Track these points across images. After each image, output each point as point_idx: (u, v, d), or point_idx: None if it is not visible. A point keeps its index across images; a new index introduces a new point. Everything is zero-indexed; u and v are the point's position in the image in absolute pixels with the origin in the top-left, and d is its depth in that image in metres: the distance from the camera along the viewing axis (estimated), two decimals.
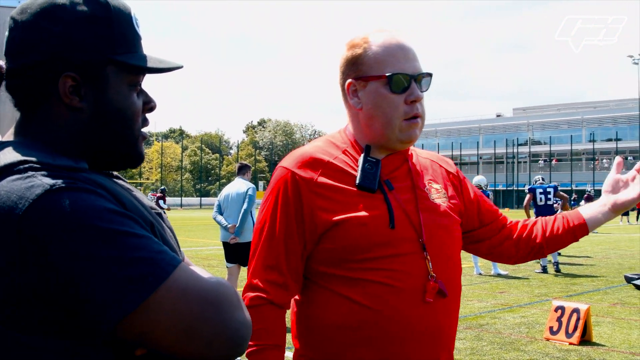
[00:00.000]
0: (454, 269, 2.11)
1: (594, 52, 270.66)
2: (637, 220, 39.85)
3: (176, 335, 1.20)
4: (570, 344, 8.04)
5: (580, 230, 2.31)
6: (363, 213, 1.97)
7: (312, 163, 2.05)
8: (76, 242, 1.14)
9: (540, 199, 16.07)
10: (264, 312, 1.99)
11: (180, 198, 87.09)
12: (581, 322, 8.11)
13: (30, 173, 1.21)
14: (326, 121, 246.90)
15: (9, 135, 1.40)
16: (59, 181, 1.19)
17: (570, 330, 8.14)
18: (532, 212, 16.04)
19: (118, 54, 1.38)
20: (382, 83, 2.03)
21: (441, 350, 2.04)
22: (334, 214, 1.98)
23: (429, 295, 1.97)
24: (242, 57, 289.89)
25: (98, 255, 1.15)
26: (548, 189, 16.10)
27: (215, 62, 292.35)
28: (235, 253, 9.94)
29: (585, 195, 37.20)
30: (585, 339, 8.21)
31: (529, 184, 18.61)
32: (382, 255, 1.96)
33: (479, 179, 16.32)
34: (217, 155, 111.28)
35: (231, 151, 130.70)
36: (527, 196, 16.24)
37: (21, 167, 1.22)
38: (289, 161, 2.08)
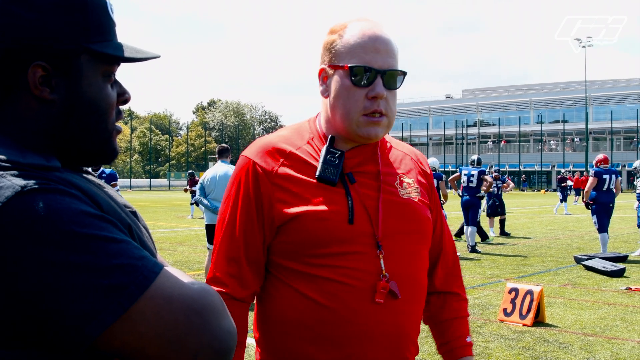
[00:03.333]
0: (416, 267, 2.02)
1: (538, 35, 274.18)
2: (581, 200, 40.60)
3: (161, 347, 1.11)
4: (524, 325, 8.13)
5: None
6: (322, 207, 1.90)
7: (274, 153, 1.98)
8: (51, 249, 1.05)
9: (464, 180, 16.80)
10: None
11: (129, 180, 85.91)
12: (534, 304, 8.21)
13: None
14: (277, 102, 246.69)
15: None
16: (31, 182, 1.10)
17: (524, 312, 8.24)
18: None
19: (93, 43, 1.28)
20: (346, 73, 1.94)
21: (397, 353, 1.95)
22: (292, 206, 1.90)
23: (379, 295, 1.88)
24: (189, 37, 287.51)
25: (75, 263, 1.06)
26: (473, 172, 16.67)
27: (162, 42, 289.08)
28: None
29: (559, 176, 37.74)
30: (539, 320, 8.31)
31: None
32: (340, 251, 1.88)
33: (432, 160, 16.44)
34: (167, 136, 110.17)
35: (181, 132, 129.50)
36: (456, 174, 17.22)
37: None
38: (251, 150, 2.01)
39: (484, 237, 18.01)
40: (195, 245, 17.36)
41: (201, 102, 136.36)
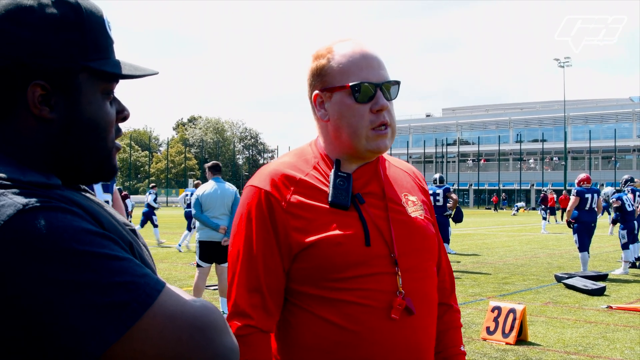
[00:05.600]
0: (428, 284, 2.05)
1: (517, 53, 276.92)
2: (561, 219, 40.80)
3: None
4: (507, 343, 8.12)
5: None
6: (337, 232, 1.91)
7: (284, 181, 1.98)
8: (53, 267, 1.03)
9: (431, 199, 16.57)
10: (253, 342, 1.91)
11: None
12: (517, 322, 8.21)
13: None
14: (257, 119, 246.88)
15: None
16: (32, 200, 1.08)
17: (506, 330, 8.24)
18: None
19: (91, 61, 1.26)
20: (347, 93, 1.98)
21: None
22: (308, 234, 1.91)
23: (395, 312, 1.90)
24: (168, 53, 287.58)
25: (77, 281, 1.04)
26: (437, 191, 16.72)
27: (141, 58, 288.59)
28: (217, 253, 9.82)
29: (542, 195, 38.11)
30: (521, 339, 8.31)
31: (459, 184, 19.45)
32: (358, 274, 1.90)
33: (439, 176, 16.54)
34: (147, 152, 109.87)
35: (161, 148, 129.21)
36: None
37: None
38: (260, 179, 2.01)
39: None
40: (176, 262, 17.27)
41: (181, 119, 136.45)
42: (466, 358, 7.08)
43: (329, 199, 1.95)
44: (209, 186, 10.06)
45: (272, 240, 1.93)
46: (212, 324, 1.15)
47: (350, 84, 1.97)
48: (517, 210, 32.87)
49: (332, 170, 2.01)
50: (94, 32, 1.28)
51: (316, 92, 2.04)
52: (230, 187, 10.07)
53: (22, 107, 1.22)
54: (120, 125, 1.38)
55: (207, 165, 10.68)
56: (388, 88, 2.00)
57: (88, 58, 1.26)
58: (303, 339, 1.94)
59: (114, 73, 1.30)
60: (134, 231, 1.35)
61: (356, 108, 1.97)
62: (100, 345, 1.03)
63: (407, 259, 1.97)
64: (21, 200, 1.08)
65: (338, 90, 1.99)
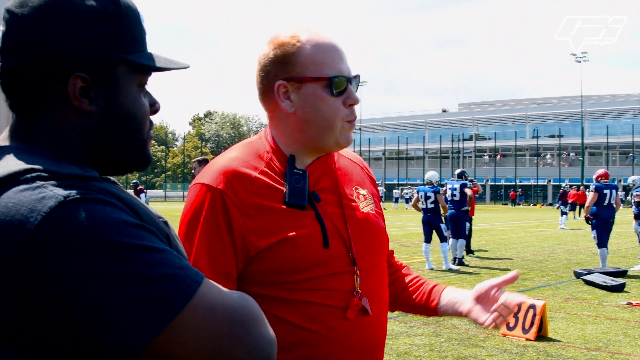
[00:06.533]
0: (382, 281, 2.03)
1: (533, 48, 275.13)
2: (579, 215, 40.58)
3: (204, 357, 1.10)
4: (527, 339, 8.11)
5: (429, 312, 2.20)
6: (295, 233, 1.83)
7: (238, 179, 1.85)
8: (95, 260, 1.03)
9: (449, 195, 16.70)
10: None
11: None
12: (537, 318, 8.19)
13: (39, 183, 1.09)
14: None
15: (2, 140, 1.26)
16: (73, 192, 1.08)
17: (526, 326, 8.23)
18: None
19: (129, 53, 1.27)
20: (322, 85, 1.89)
21: None
22: (265, 236, 1.81)
23: (350, 312, 1.87)
24: (183, 48, 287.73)
25: (119, 274, 1.04)
26: (455, 185, 16.65)
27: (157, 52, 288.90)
28: None
29: (561, 190, 37.74)
30: (541, 335, 8.29)
31: (475, 178, 19.32)
32: (317, 275, 1.84)
33: (431, 174, 16.46)
34: (163, 147, 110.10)
35: (177, 143, 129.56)
36: (415, 197, 16.68)
37: (28, 176, 1.10)
38: (210, 177, 1.86)
39: (468, 250, 18.00)
40: None
41: (197, 114, 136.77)
42: (487, 353, 7.08)
43: (286, 199, 1.86)
44: None
45: (226, 244, 1.81)
46: (251, 316, 1.15)
47: (329, 75, 1.89)
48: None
49: (287, 168, 1.92)
50: (131, 24, 1.29)
51: (281, 81, 1.90)
52: None
53: (61, 100, 1.22)
54: (151, 117, 1.38)
55: (196, 159, 10.42)
56: (356, 82, 1.97)
57: (126, 50, 1.27)
58: None
59: (150, 65, 1.31)
60: (166, 223, 1.35)
61: (331, 101, 1.90)
62: (143, 338, 1.04)
63: (364, 257, 1.94)
64: (62, 192, 1.07)
65: (310, 82, 1.89)
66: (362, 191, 2.08)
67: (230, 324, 1.12)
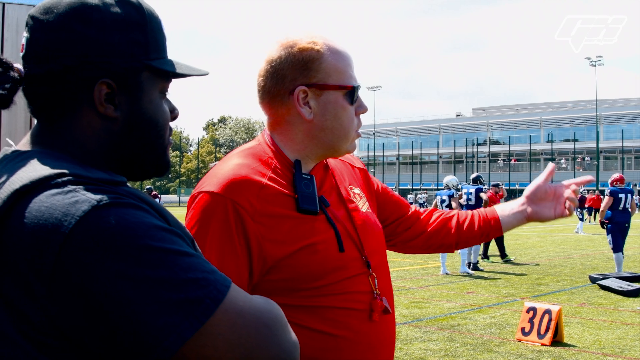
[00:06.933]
0: (388, 277, 2.04)
1: (547, 52, 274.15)
2: (594, 220, 40.34)
3: None
4: (542, 344, 8.08)
5: (495, 232, 2.34)
6: (312, 240, 1.81)
7: (248, 187, 1.78)
8: (129, 264, 1.04)
9: (464, 199, 16.80)
10: None
11: None
12: (553, 323, 8.16)
13: (70, 187, 1.09)
14: None
15: (23, 145, 1.28)
16: (105, 196, 1.09)
17: (542, 331, 8.19)
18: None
19: (152, 60, 1.29)
20: (343, 94, 1.89)
21: None
22: (284, 245, 1.77)
23: (376, 314, 1.88)
24: (195, 54, 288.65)
25: (152, 277, 1.05)
26: (470, 190, 16.72)
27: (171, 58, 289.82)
28: None
29: (578, 196, 37.73)
30: (557, 340, 8.25)
31: (488, 184, 19.26)
32: (337, 279, 1.84)
33: (449, 179, 16.49)
34: (177, 152, 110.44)
35: (191, 148, 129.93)
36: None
37: (59, 180, 1.10)
38: (218, 186, 1.77)
39: (503, 255, 18.00)
40: None
41: (212, 119, 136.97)
42: (502, 359, 7.05)
43: (299, 205, 1.82)
44: None
45: (240, 255, 1.74)
46: (277, 320, 1.17)
47: (354, 85, 1.90)
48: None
49: (295, 174, 1.89)
50: (154, 31, 1.31)
51: (302, 87, 1.87)
52: None
53: (86, 105, 1.24)
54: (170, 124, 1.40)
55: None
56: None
57: (149, 57, 1.29)
58: None
59: (173, 72, 1.33)
60: None
61: (350, 110, 1.91)
62: (177, 340, 1.05)
63: (374, 257, 1.95)
64: (94, 196, 1.08)
65: (332, 90, 1.88)
66: (356, 190, 2.08)
67: (257, 328, 1.13)
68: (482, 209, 2.40)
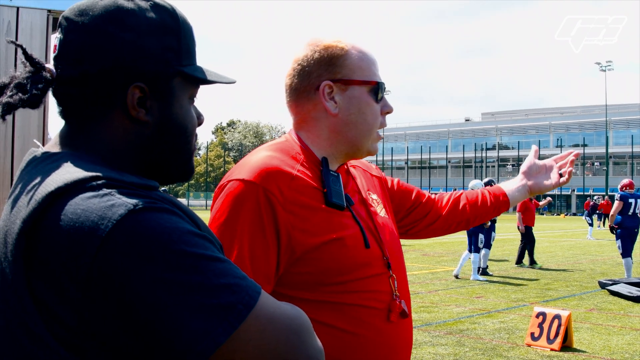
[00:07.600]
0: (406, 285, 2.06)
1: (556, 57, 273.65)
2: (603, 225, 40.22)
3: None
4: (552, 350, 8.06)
5: (504, 206, 2.52)
6: (341, 234, 1.82)
7: (280, 176, 1.79)
8: (164, 268, 1.04)
9: None
10: None
11: None
12: (562, 328, 8.15)
13: (105, 190, 1.09)
14: None
15: (51, 146, 1.28)
16: (140, 201, 1.09)
17: (551, 337, 8.17)
18: None
19: (184, 66, 1.30)
20: (367, 89, 1.93)
21: None
22: (314, 235, 1.78)
23: (394, 315, 1.89)
24: (205, 58, 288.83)
25: (187, 283, 1.05)
26: None
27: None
28: None
29: (587, 201, 37.90)
30: (566, 345, 8.24)
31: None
32: (360, 277, 1.84)
33: (475, 183, 16.40)
34: None
35: (200, 152, 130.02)
36: None
37: (94, 183, 1.10)
38: (249, 173, 1.77)
39: (532, 261, 18.05)
40: None
41: (220, 123, 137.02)
42: None
43: (329, 199, 1.83)
44: None
45: (270, 243, 1.74)
46: (304, 326, 1.18)
47: (378, 81, 1.94)
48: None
49: (323, 169, 1.91)
50: (186, 37, 1.32)
51: (327, 81, 1.91)
52: None
53: (118, 109, 1.24)
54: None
55: None
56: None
57: (181, 63, 1.30)
58: None
59: (203, 79, 1.34)
60: None
61: (374, 107, 1.95)
62: (210, 345, 1.05)
63: (393, 260, 1.97)
64: (130, 200, 1.08)
65: (357, 85, 1.92)
66: (374, 196, 2.10)
67: (287, 334, 1.14)
68: (489, 187, 2.59)
